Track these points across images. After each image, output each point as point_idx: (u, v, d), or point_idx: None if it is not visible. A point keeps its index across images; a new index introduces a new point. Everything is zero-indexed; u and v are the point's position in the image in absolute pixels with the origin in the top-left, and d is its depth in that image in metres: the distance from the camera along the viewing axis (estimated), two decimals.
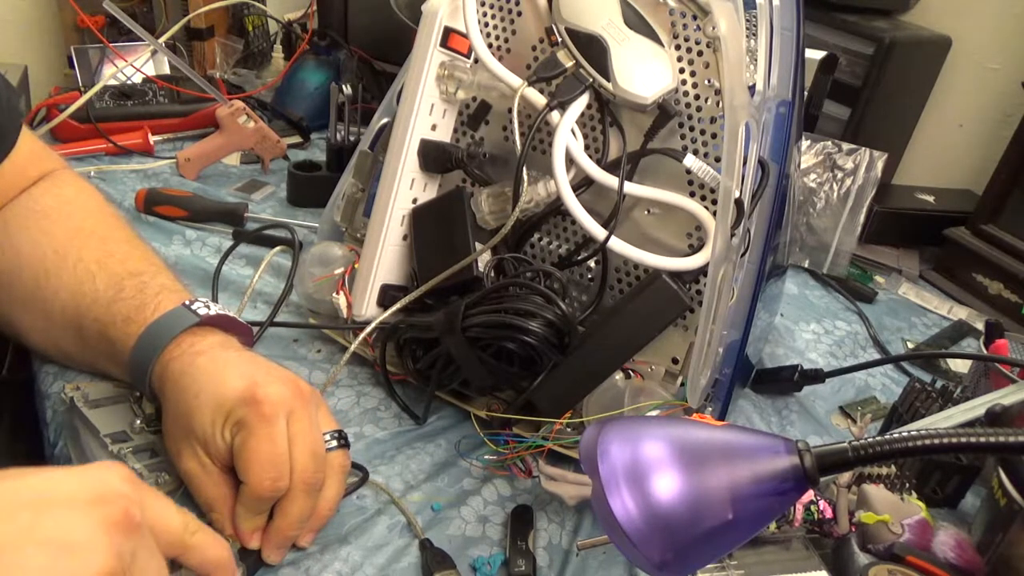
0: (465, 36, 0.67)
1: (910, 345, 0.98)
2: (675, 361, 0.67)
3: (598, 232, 0.63)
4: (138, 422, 0.59)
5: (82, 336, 0.62)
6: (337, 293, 0.73)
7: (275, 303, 0.82)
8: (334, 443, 0.57)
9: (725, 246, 0.60)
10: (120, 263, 0.64)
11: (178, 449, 0.55)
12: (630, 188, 0.64)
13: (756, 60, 0.63)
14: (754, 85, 0.62)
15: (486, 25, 0.71)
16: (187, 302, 0.60)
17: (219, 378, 0.54)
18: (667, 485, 0.38)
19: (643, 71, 0.62)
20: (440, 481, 0.64)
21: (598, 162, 0.65)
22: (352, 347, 0.69)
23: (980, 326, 0.96)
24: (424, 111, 0.69)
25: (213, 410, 0.53)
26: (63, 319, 0.63)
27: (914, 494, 0.60)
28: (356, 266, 0.74)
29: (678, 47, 0.63)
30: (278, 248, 0.81)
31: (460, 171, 0.73)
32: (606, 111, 0.65)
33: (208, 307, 0.60)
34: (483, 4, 0.71)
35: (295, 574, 0.54)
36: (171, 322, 0.58)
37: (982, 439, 0.37)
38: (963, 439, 0.37)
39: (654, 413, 0.62)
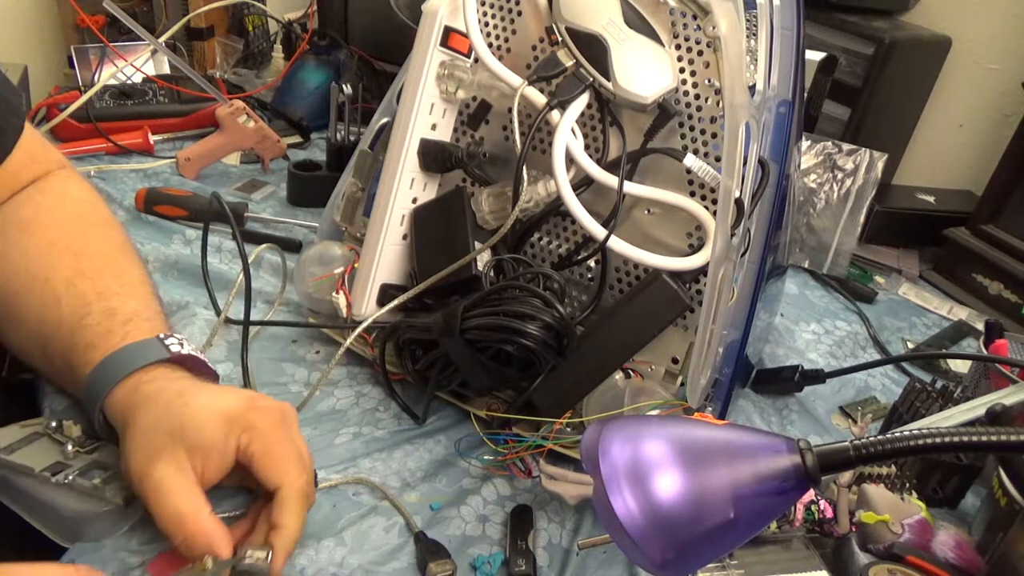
0: (465, 35, 0.67)
1: (910, 345, 0.98)
2: (675, 361, 0.67)
3: (598, 232, 0.63)
4: (70, 447, 0.56)
5: (47, 359, 0.61)
6: (337, 292, 0.73)
7: (273, 303, 0.82)
8: None
9: (725, 246, 0.60)
10: (90, 283, 0.61)
11: (147, 458, 0.51)
12: (630, 188, 0.64)
13: (756, 60, 0.63)
14: (754, 85, 0.62)
15: (486, 24, 0.71)
16: (161, 336, 0.58)
17: (211, 393, 0.55)
18: (668, 484, 0.38)
19: (643, 71, 0.62)
20: (439, 481, 0.64)
21: (598, 162, 0.65)
22: (346, 344, 0.69)
23: (980, 326, 0.96)
24: (424, 111, 0.69)
25: (215, 416, 0.53)
26: (30, 341, 0.62)
27: (914, 494, 0.60)
28: (356, 266, 0.74)
29: (678, 47, 0.63)
30: (265, 245, 0.81)
31: (460, 171, 0.73)
32: (606, 111, 0.65)
33: (181, 345, 0.59)
34: (483, 4, 0.71)
35: (290, 572, 0.54)
36: (141, 351, 0.57)
37: (983, 438, 0.37)
38: (964, 438, 0.37)
39: (654, 413, 0.62)
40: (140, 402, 0.54)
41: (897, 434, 0.38)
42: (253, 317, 0.77)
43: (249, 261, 0.75)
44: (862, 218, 1.09)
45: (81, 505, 0.54)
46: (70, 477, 0.54)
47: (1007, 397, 0.67)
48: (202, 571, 0.48)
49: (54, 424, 0.58)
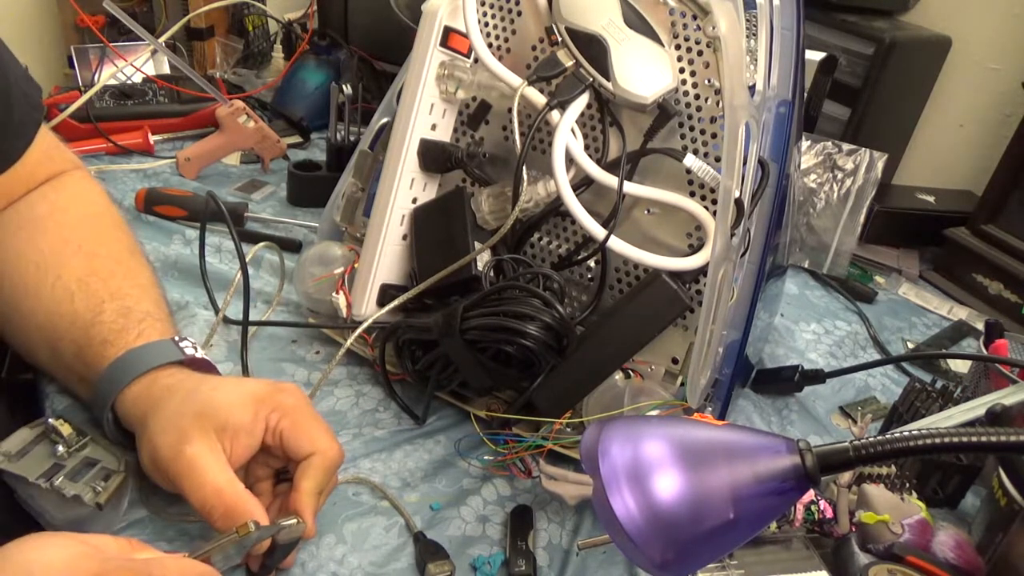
0: (465, 36, 0.67)
1: (910, 345, 0.98)
2: (675, 361, 0.67)
3: (598, 232, 0.63)
4: (61, 448, 0.57)
5: (56, 356, 0.62)
6: (337, 293, 0.73)
7: (272, 303, 0.82)
8: None
9: (725, 246, 0.60)
10: (103, 282, 0.63)
11: (178, 439, 0.52)
12: (630, 188, 0.64)
13: (756, 60, 0.63)
14: (754, 85, 0.62)
15: (486, 25, 0.71)
16: (176, 338, 0.60)
17: (236, 380, 0.57)
18: (668, 484, 0.38)
19: (643, 71, 0.62)
20: (439, 481, 0.64)
21: (598, 162, 0.65)
22: (347, 344, 0.69)
23: (980, 326, 0.96)
24: (424, 111, 0.69)
25: (242, 398, 0.55)
26: (38, 337, 0.62)
27: (914, 494, 0.60)
28: (356, 266, 0.74)
29: (678, 47, 0.63)
30: (262, 244, 0.81)
31: (460, 171, 0.73)
32: (606, 111, 0.65)
33: (195, 349, 0.60)
34: (483, 4, 0.71)
35: (291, 571, 0.54)
36: (158, 350, 0.59)
37: (983, 438, 0.37)
38: (964, 438, 0.37)
39: (654, 413, 0.62)
40: (161, 393, 0.56)
41: (897, 434, 0.38)
42: (253, 317, 0.77)
43: (247, 261, 0.75)
44: (862, 218, 1.09)
45: (65, 512, 0.55)
46: (57, 481, 0.55)
47: (1007, 397, 0.67)
48: (246, 534, 0.48)
49: (51, 422, 0.59)
